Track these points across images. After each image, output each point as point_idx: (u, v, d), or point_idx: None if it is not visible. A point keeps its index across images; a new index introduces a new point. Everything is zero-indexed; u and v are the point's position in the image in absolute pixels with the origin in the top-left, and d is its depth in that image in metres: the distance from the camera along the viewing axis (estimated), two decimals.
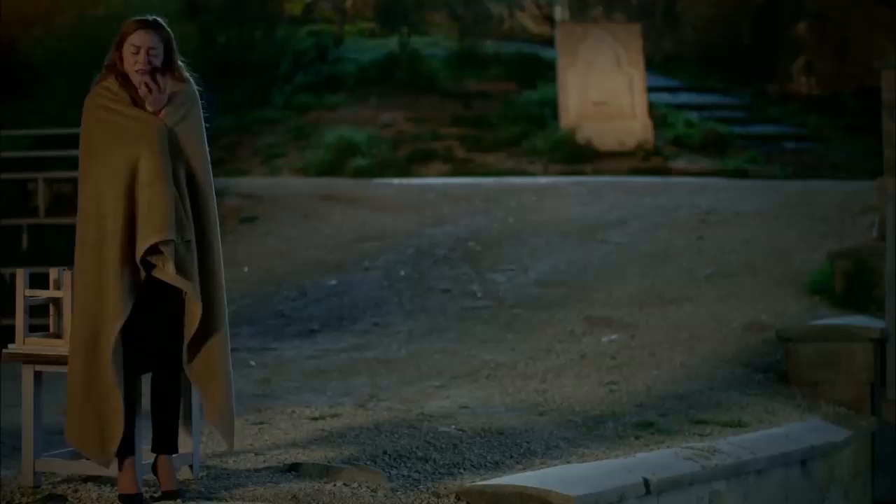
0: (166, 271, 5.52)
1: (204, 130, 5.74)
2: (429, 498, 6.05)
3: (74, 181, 12.61)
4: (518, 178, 16.16)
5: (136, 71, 5.59)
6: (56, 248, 11.79)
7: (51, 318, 5.96)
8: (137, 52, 5.58)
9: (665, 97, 19.76)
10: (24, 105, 15.49)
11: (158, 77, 5.58)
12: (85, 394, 5.50)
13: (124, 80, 5.62)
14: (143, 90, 5.56)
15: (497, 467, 6.72)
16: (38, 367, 5.84)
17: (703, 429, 7.92)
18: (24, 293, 5.87)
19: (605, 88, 18.04)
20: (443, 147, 17.85)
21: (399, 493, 6.07)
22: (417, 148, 17.82)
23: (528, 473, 6.45)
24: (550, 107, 18.46)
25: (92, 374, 5.50)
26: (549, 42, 20.84)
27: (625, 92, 18.10)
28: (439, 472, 6.53)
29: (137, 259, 5.49)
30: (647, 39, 18.96)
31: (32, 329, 5.93)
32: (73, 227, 5.62)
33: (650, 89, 18.62)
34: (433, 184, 15.51)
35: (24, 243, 12.43)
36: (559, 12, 22.84)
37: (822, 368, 9.37)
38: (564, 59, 18.17)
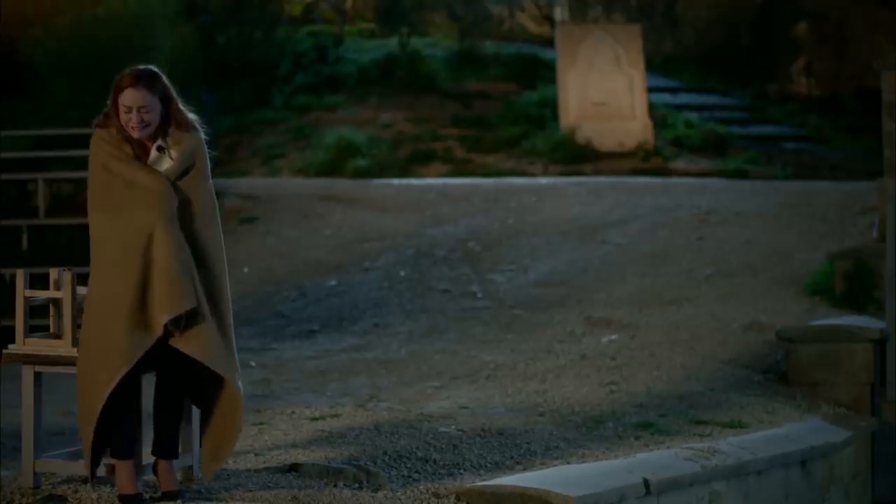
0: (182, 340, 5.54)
1: (209, 178, 5.68)
2: (429, 498, 6.05)
3: (74, 181, 12.67)
4: (518, 179, 16.14)
5: (131, 128, 5.54)
6: (56, 248, 11.75)
7: (51, 318, 5.97)
8: (129, 112, 5.51)
9: (665, 98, 19.75)
10: (24, 105, 15.47)
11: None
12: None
13: (124, 131, 5.58)
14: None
15: (497, 468, 6.72)
16: (38, 368, 5.84)
17: (703, 429, 7.92)
18: (23, 294, 5.87)
19: (604, 89, 18.02)
20: (443, 147, 17.84)
21: (399, 493, 6.07)
22: (417, 148, 17.80)
23: (528, 474, 6.45)
24: (550, 107, 18.45)
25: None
26: (549, 42, 20.83)
27: (625, 92, 18.09)
28: (439, 473, 6.53)
29: (158, 331, 5.48)
30: (646, 40, 18.94)
31: (32, 329, 5.92)
32: (72, 228, 5.64)
33: (650, 90, 18.60)
34: (433, 184, 15.50)
35: (24, 243, 12.41)
36: (559, 13, 22.84)
37: (822, 369, 9.36)
38: (564, 59, 18.16)
